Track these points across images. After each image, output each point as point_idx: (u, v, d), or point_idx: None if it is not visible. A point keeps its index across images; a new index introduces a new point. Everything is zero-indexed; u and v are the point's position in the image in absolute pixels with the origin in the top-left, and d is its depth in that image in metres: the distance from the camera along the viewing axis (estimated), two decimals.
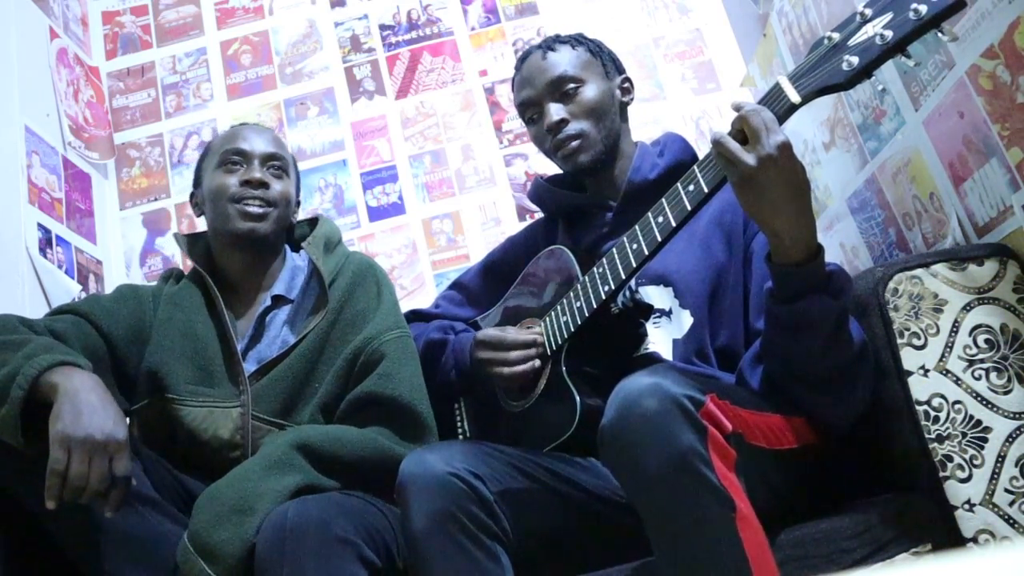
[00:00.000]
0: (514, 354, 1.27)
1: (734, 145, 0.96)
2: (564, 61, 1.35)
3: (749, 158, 0.95)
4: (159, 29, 2.51)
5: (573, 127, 1.32)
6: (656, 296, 1.27)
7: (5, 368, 1.07)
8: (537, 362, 1.27)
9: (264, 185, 1.36)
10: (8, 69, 1.97)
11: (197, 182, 1.47)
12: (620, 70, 1.42)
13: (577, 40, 1.39)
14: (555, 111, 1.33)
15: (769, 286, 1.05)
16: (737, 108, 0.98)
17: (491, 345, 1.30)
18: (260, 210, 1.36)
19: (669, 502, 0.88)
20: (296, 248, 1.49)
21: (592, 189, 1.41)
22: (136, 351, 1.34)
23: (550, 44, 1.38)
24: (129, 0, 2.53)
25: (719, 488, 0.87)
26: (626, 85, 1.41)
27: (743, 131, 0.97)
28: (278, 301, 1.40)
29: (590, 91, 1.34)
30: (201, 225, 1.48)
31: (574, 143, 1.32)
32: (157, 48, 2.48)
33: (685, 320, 1.24)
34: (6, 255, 1.78)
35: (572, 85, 1.33)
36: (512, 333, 1.29)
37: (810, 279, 1.00)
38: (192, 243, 1.45)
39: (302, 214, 1.54)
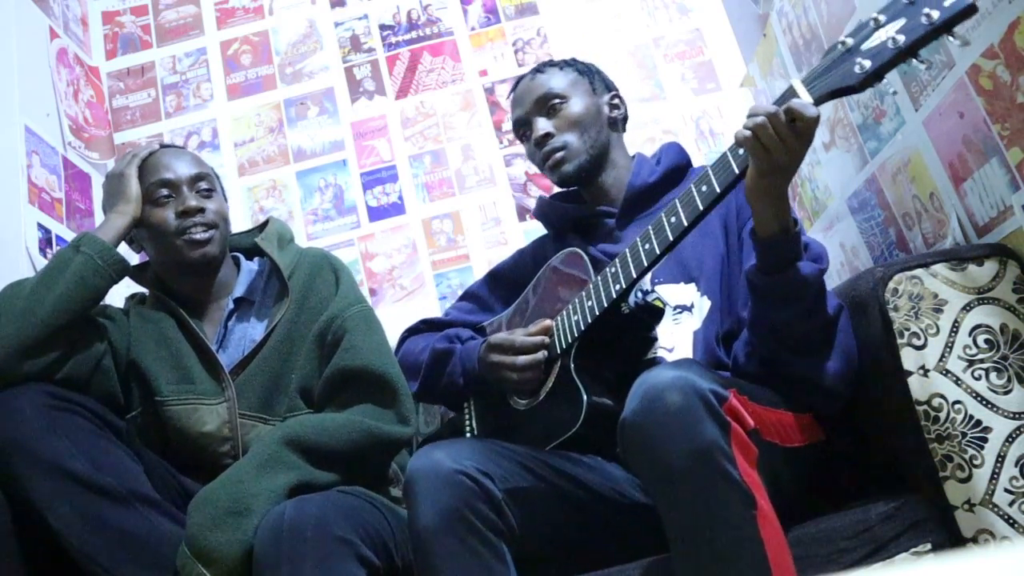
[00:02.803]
0: (522, 359, 1.28)
1: (779, 133, 0.98)
2: (551, 80, 1.43)
3: (788, 148, 0.98)
4: (159, 29, 2.50)
5: (558, 140, 1.39)
6: (678, 293, 1.29)
7: (69, 268, 1.24)
8: (543, 355, 1.28)
9: (200, 210, 1.36)
10: (8, 69, 1.96)
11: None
12: (610, 88, 1.49)
13: (567, 63, 1.48)
14: (541, 126, 1.41)
15: (752, 264, 1.09)
16: (785, 106, 0.98)
17: (501, 348, 1.31)
18: (205, 235, 1.36)
19: (690, 497, 0.88)
20: (248, 256, 1.51)
21: (591, 200, 1.45)
22: (124, 359, 1.36)
23: (539, 67, 1.47)
24: (129, 0, 2.53)
25: (741, 485, 0.87)
26: (615, 101, 1.47)
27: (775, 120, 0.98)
28: (240, 304, 1.42)
29: (574, 106, 1.41)
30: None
31: (558, 154, 1.39)
32: (157, 48, 2.48)
33: (704, 306, 1.26)
34: (6, 255, 1.78)
35: (557, 101, 1.41)
36: (521, 336, 1.30)
37: (795, 247, 1.06)
38: (140, 274, 1.45)
39: (284, 209, 1.54)
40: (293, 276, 1.40)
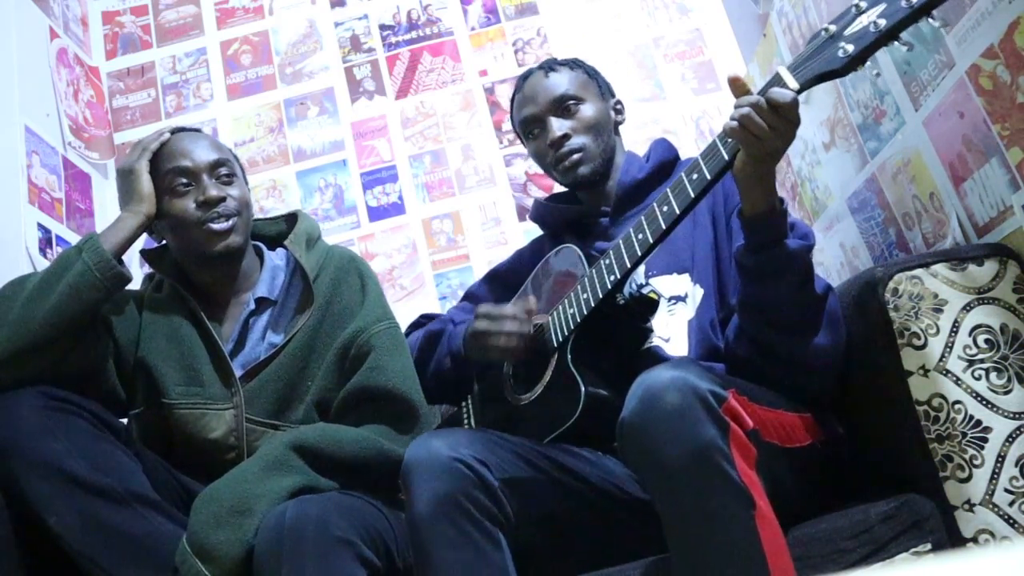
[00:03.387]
0: (509, 323, 1.27)
1: (765, 121, 1.00)
2: (565, 81, 1.42)
3: (778, 133, 1.00)
4: (159, 29, 2.51)
5: (575, 141, 1.38)
6: (672, 284, 1.30)
7: (66, 276, 1.20)
8: (531, 328, 1.28)
9: (222, 199, 1.31)
10: (8, 69, 1.96)
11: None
12: (612, 93, 1.50)
13: (575, 63, 1.47)
14: (558, 126, 1.39)
15: (740, 244, 1.10)
16: (765, 96, 1.00)
17: (489, 316, 1.30)
18: (227, 224, 1.31)
19: (688, 497, 0.88)
20: (272, 246, 1.47)
21: (587, 201, 1.46)
22: (131, 353, 1.34)
23: (550, 65, 1.45)
24: (129, 0, 2.53)
25: (739, 485, 0.88)
26: (618, 107, 1.48)
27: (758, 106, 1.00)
28: (261, 303, 1.38)
29: (589, 109, 1.41)
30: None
31: (575, 156, 1.38)
32: (157, 48, 2.48)
33: (697, 295, 1.27)
34: (6, 255, 1.78)
35: (573, 102, 1.40)
36: (510, 308, 1.30)
37: (782, 225, 1.07)
38: (158, 259, 1.42)
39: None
40: (318, 279, 1.37)
